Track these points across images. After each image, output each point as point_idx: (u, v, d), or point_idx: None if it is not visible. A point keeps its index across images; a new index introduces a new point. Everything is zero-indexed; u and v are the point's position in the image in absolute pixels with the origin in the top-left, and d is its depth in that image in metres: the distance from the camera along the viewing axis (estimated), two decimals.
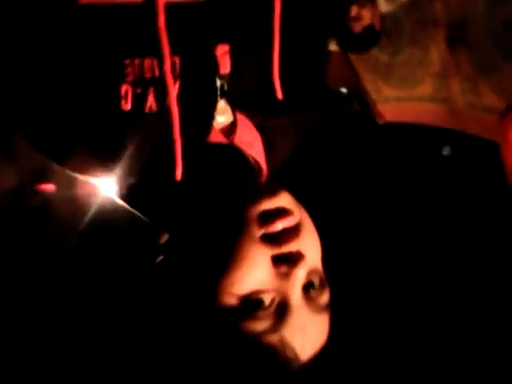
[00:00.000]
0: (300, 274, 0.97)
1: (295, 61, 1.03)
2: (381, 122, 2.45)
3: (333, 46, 2.36)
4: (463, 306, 2.48)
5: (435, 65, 2.16)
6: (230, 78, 0.98)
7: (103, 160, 0.84)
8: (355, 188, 2.74)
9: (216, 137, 0.97)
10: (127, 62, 0.83)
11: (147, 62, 0.84)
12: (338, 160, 2.75)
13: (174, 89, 0.87)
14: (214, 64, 0.95)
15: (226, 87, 0.98)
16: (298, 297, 0.97)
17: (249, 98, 1.05)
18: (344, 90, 3.15)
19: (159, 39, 0.83)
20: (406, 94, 2.32)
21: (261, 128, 1.06)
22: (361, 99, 2.65)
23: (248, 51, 1.00)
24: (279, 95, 1.04)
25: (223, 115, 1.00)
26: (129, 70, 0.83)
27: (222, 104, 1.00)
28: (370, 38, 2.00)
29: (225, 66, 0.97)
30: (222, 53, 0.96)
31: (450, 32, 2.05)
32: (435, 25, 2.08)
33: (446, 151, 2.98)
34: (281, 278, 0.95)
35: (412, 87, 2.28)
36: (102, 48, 0.81)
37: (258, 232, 0.97)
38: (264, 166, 1.03)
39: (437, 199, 2.76)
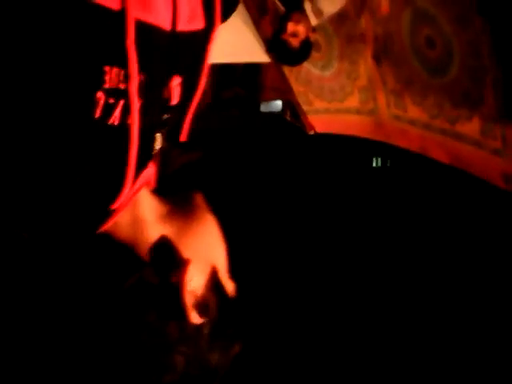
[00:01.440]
0: None
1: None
2: (311, 132, 2.51)
3: (267, 59, 2.41)
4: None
5: (362, 78, 2.23)
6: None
7: (52, 161, 0.83)
8: (281, 195, 2.79)
9: (151, 165, 0.99)
10: (106, 68, 0.81)
11: (123, 73, 0.82)
12: (264, 168, 2.80)
13: (137, 107, 0.85)
14: (168, 93, 0.96)
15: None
16: None
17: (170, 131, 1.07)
18: (279, 101, 3.22)
19: (128, 54, 0.82)
20: (335, 107, 2.38)
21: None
22: (293, 110, 2.72)
23: (194, 90, 1.02)
24: (183, 138, 1.05)
25: (157, 145, 1.00)
26: (106, 77, 0.80)
27: (158, 134, 1.00)
28: (303, 52, 2.05)
29: (175, 98, 0.98)
30: (176, 84, 0.97)
31: (377, 47, 2.12)
32: (363, 40, 2.15)
33: (375, 163, 3.08)
34: None
35: (340, 100, 2.35)
36: (83, 51, 0.80)
37: None
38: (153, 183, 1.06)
39: (364, 209, 2.84)
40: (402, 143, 2.20)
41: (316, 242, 2.73)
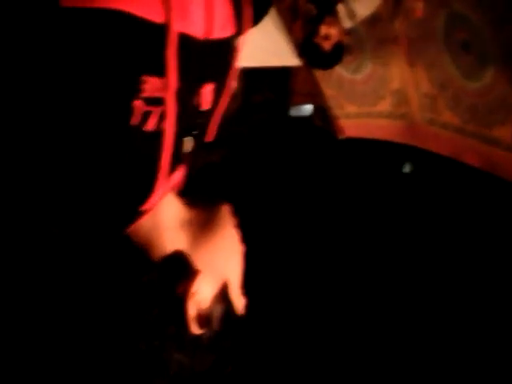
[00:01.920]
0: None
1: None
2: (341, 137, 2.50)
3: (298, 63, 2.40)
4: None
5: (395, 82, 2.21)
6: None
7: (91, 166, 0.85)
8: (313, 200, 2.78)
9: (181, 168, 1.00)
10: (145, 78, 0.84)
11: (161, 82, 0.85)
12: (296, 173, 2.79)
13: (174, 114, 0.88)
14: (199, 100, 0.96)
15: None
16: None
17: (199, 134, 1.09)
18: (309, 105, 3.20)
19: (169, 63, 0.85)
20: (366, 111, 2.37)
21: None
22: (324, 114, 2.70)
23: (222, 94, 1.04)
24: (210, 138, 1.08)
25: (186, 149, 1.02)
26: (145, 86, 0.84)
27: (188, 138, 1.02)
28: (336, 55, 2.04)
29: (207, 103, 1.00)
30: (208, 91, 0.97)
31: (410, 50, 2.11)
32: (396, 42, 2.13)
33: (406, 168, 3.05)
34: None
35: (372, 104, 2.33)
36: (123, 60, 0.82)
37: None
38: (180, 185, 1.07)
39: (395, 215, 2.81)
40: (434, 147, 2.18)
41: (345, 247, 2.71)
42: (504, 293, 2.40)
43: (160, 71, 0.85)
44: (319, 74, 2.47)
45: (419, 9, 1.97)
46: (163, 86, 0.86)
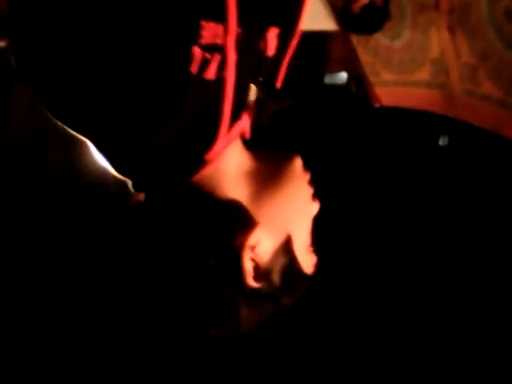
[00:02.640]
0: None
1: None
2: (377, 105, 2.45)
3: (336, 27, 2.35)
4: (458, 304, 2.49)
5: (435, 50, 2.15)
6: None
7: (149, 114, 0.83)
8: (350, 171, 2.75)
9: (245, 116, 0.99)
10: (203, 23, 0.81)
11: (220, 28, 0.83)
12: (333, 143, 2.76)
13: (234, 62, 0.86)
14: (265, 45, 0.95)
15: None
16: None
17: (265, 81, 1.08)
18: (344, 73, 3.15)
19: (228, 8, 0.83)
20: (403, 79, 2.31)
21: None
22: (359, 81, 2.65)
23: (290, 38, 1.01)
24: (279, 85, 1.08)
25: (252, 96, 1.02)
26: (204, 32, 0.82)
27: (253, 85, 1.02)
28: (372, 19, 2.00)
29: (272, 49, 0.96)
30: (272, 35, 0.95)
31: (452, 18, 2.04)
32: (437, 10, 2.07)
33: (442, 141, 2.98)
34: None
35: (410, 72, 2.27)
36: (181, 5, 0.80)
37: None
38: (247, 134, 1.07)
39: (432, 190, 2.77)
40: (474, 120, 2.12)
41: (376, 219, 2.68)
42: None
43: (219, 16, 0.82)
44: (356, 40, 2.42)
45: None
46: (223, 32, 0.83)
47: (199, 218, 0.93)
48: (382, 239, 2.63)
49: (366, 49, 2.40)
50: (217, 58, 0.83)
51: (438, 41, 2.12)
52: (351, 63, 2.60)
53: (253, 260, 0.95)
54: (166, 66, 0.79)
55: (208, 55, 0.82)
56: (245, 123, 0.99)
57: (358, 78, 2.61)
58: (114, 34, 0.76)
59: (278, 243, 0.98)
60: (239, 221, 0.95)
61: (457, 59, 2.08)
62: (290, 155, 1.05)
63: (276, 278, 0.97)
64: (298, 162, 1.05)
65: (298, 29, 1.01)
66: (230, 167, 0.97)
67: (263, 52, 0.95)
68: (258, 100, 1.01)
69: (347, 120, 2.77)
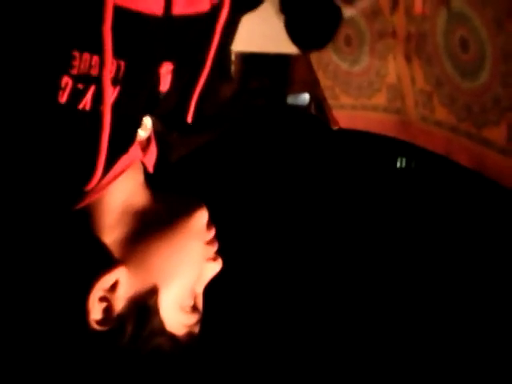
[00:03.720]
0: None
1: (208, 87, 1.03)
2: (335, 127, 2.48)
3: (296, 50, 2.38)
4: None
5: (392, 76, 2.19)
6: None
7: (21, 145, 0.82)
8: (305, 192, 2.77)
9: (133, 150, 0.96)
10: (75, 53, 0.80)
11: (95, 59, 0.81)
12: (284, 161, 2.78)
13: (111, 93, 0.84)
14: (157, 80, 0.94)
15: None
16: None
17: (166, 116, 1.05)
18: (306, 94, 3.19)
19: (103, 40, 0.81)
20: (361, 103, 2.35)
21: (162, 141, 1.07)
22: (318, 104, 2.69)
23: (185, 74, 1.00)
24: (189, 120, 1.04)
25: (143, 130, 0.99)
26: (75, 62, 0.80)
27: (147, 119, 0.99)
28: (321, 35, 2.01)
29: (165, 84, 0.96)
30: (166, 70, 0.94)
31: (408, 46, 2.09)
32: (394, 37, 2.11)
33: (400, 163, 3.04)
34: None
35: (368, 97, 2.31)
36: (52, 33, 0.78)
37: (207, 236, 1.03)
38: (150, 169, 1.04)
39: (390, 212, 2.81)
40: (428, 145, 2.16)
41: (337, 240, 2.71)
42: (498, 293, 2.40)
43: (94, 48, 0.81)
44: (316, 63, 2.45)
45: (418, 5, 1.95)
46: (97, 64, 0.82)
47: (67, 248, 0.89)
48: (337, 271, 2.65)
49: (326, 73, 2.44)
50: (91, 88, 0.82)
51: (395, 67, 2.16)
52: (312, 85, 2.64)
53: (105, 301, 0.91)
54: (32, 92, 0.79)
55: (81, 86, 0.81)
56: (135, 155, 0.97)
57: (318, 100, 2.64)
58: None
59: (138, 291, 0.93)
60: (102, 256, 0.91)
61: (412, 85, 2.13)
62: (194, 206, 1.02)
63: (129, 326, 0.92)
64: (201, 216, 1.02)
65: (208, 63, 0.99)
66: (116, 200, 0.94)
67: (155, 87, 0.94)
68: (160, 134, 1.01)
69: (304, 143, 2.81)
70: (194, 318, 1.00)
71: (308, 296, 2.56)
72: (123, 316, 0.92)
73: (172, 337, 0.97)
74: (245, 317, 2.44)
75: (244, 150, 2.70)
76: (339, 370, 2.42)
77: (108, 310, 0.91)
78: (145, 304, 0.93)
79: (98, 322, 0.90)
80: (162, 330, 0.95)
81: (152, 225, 0.96)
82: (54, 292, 0.88)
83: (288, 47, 2.36)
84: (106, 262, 0.91)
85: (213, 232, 1.05)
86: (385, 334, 2.50)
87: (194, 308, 1.01)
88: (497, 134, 1.90)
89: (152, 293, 0.94)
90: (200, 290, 1.03)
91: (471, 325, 2.41)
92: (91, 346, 0.90)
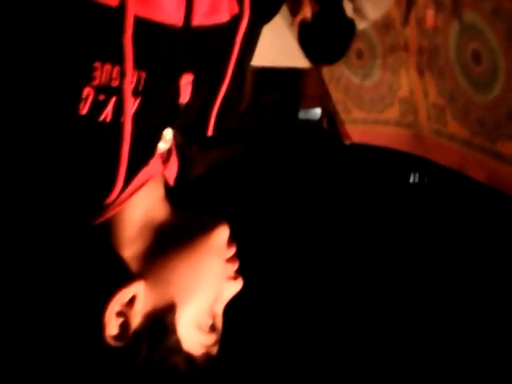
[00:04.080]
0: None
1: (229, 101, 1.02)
2: (347, 142, 2.47)
3: (308, 65, 2.38)
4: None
5: (404, 90, 2.18)
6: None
7: (41, 158, 0.81)
8: (314, 204, 2.77)
9: (154, 162, 0.95)
10: (97, 64, 0.79)
11: (116, 70, 0.80)
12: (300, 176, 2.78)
13: (132, 105, 0.83)
14: (177, 91, 0.91)
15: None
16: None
17: (186, 128, 1.03)
18: (318, 109, 3.18)
19: (124, 51, 0.80)
20: (373, 117, 2.34)
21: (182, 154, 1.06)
22: (330, 118, 2.68)
23: (205, 86, 0.99)
24: (209, 133, 1.02)
25: (164, 142, 0.97)
26: (97, 73, 0.79)
27: (167, 131, 0.97)
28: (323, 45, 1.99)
29: (185, 96, 0.94)
30: (186, 82, 0.92)
31: (421, 59, 2.08)
32: (406, 50, 2.10)
33: (413, 178, 3.02)
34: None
35: (380, 111, 2.30)
36: (73, 44, 0.76)
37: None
38: (171, 182, 1.03)
39: (403, 227, 2.79)
40: (441, 159, 2.15)
41: (348, 254, 2.69)
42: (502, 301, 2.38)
43: (115, 58, 0.80)
44: (328, 77, 2.45)
45: (430, 18, 1.94)
46: (118, 75, 0.81)
47: (85, 261, 0.88)
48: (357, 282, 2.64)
49: (338, 86, 2.43)
50: (112, 100, 0.81)
51: (407, 81, 2.15)
52: (324, 100, 2.63)
53: (122, 316, 0.89)
54: (53, 103, 0.77)
55: (102, 97, 0.80)
56: (156, 169, 0.95)
57: (330, 115, 2.64)
58: None
59: (156, 307, 0.91)
60: (120, 270, 0.90)
61: (425, 99, 2.11)
62: (215, 222, 0.99)
63: (145, 343, 0.90)
64: (221, 233, 0.99)
65: (228, 74, 0.97)
66: (136, 213, 0.93)
67: (175, 98, 0.93)
68: (181, 147, 0.99)
69: (317, 157, 2.80)
70: (212, 339, 0.97)
71: (324, 307, 2.55)
72: (139, 332, 0.90)
73: (188, 356, 0.94)
74: (264, 335, 2.44)
75: (258, 165, 2.70)
76: (348, 368, 2.41)
77: (124, 326, 0.89)
78: (162, 321, 0.91)
79: (114, 338, 0.88)
80: (178, 348, 0.93)
81: (171, 240, 0.94)
82: (71, 305, 0.86)
83: (300, 61, 2.35)
84: (124, 275, 0.89)
85: (233, 250, 1.02)
86: (397, 334, 2.49)
87: (213, 328, 0.98)
88: (511, 148, 1.88)
89: (169, 310, 0.92)
90: (219, 309, 1.00)
91: (478, 327, 2.39)
92: (106, 362, 0.88)
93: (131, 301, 0.90)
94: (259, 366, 2.35)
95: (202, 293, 0.95)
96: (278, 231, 2.63)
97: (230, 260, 1.01)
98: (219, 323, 1.00)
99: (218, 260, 0.97)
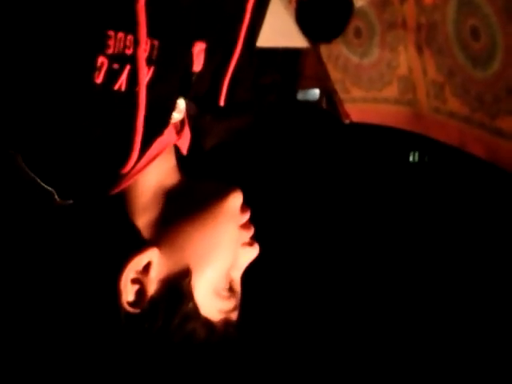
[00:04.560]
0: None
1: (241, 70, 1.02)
2: (347, 121, 2.47)
3: (306, 44, 2.37)
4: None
5: (403, 68, 2.17)
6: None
7: (57, 127, 0.81)
8: (314, 185, 2.76)
9: (168, 132, 0.95)
10: (110, 33, 0.78)
11: (130, 38, 0.80)
12: (299, 156, 2.77)
13: (146, 73, 0.83)
14: (190, 60, 0.92)
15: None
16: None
17: (199, 98, 1.04)
18: (316, 89, 3.17)
19: (137, 18, 0.79)
20: (372, 96, 2.33)
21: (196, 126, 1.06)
22: (329, 98, 2.67)
23: (218, 54, 0.99)
24: (222, 102, 1.02)
25: (177, 112, 0.97)
26: (110, 42, 0.78)
27: (181, 101, 0.98)
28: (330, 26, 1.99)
29: (198, 64, 0.94)
30: (199, 50, 0.93)
31: (419, 36, 2.07)
32: (405, 28, 2.09)
33: (412, 157, 3.01)
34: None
35: (379, 89, 2.30)
36: (86, 13, 0.77)
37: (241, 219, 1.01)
38: (184, 152, 1.03)
39: (403, 206, 2.79)
40: (441, 136, 2.14)
41: (343, 235, 2.69)
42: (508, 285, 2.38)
43: (129, 26, 0.80)
44: (326, 56, 2.44)
45: None
46: (131, 43, 0.80)
47: (102, 230, 0.89)
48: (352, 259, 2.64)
49: (336, 66, 2.42)
50: (127, 68, 0.81)
51: (406, 58, 2.14)
52: (322, 80, 2.62)
53: (137, 283, 0.90)
54: (68, 73, 0.77)
55: (116, 66, 0.79)
56: (170, 138, 0.96)
57: (329, 94, 2.63)
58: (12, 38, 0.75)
59: (171, 273, 0.92)
60: (134, 237, 0.91)
61: (424, 76, 2.10)
62: (228, 188, 1.00)
63: (162, 309, 0.91)
64: (234, 198, 1.00)
65: (239, 43, 0.98)
66: (149, 182, 0.93)
67: (189, 67, 0.93)
68: (194, 117, 0.99)
69: (317, 137, 2.79)
70: (230, 304, 0.98)
71: (319, 291, 2.55)
72: (156, 299, 0.90)
73: (207, 323, 0.94)
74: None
75: (258, 145, 2.69)
76: (350, 368, 2.41)
77: (140, 293, 0.90)
78: (178, 287, 0.92)
79: (131, 304, 0.89)
80: (196, 315, 0.93)
81: (184, 206, 0.95)
82: (87, 273, 0.87)
83: (298, 41, 2.34)
84: (138, 243, 0.90)
85: (247, 215, 1.02)
86: (399, 332, 2.48)
87: (231, 294, 0.99)
88: (511, 123, 1.88)
89: (185, 275, 0.92)
90: (237, 275, 1.01)
91: (478, 325, 2.39)
92: (124, 329, 0.88)
93: (146, 268, 0.91)
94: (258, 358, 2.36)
95: (217, 258, 0.95)
96: (275, 210, 2.62)
97: (244, 226, 1.01)
98: (237, 289, 1.01)
99: (232, 225, 0.98)
